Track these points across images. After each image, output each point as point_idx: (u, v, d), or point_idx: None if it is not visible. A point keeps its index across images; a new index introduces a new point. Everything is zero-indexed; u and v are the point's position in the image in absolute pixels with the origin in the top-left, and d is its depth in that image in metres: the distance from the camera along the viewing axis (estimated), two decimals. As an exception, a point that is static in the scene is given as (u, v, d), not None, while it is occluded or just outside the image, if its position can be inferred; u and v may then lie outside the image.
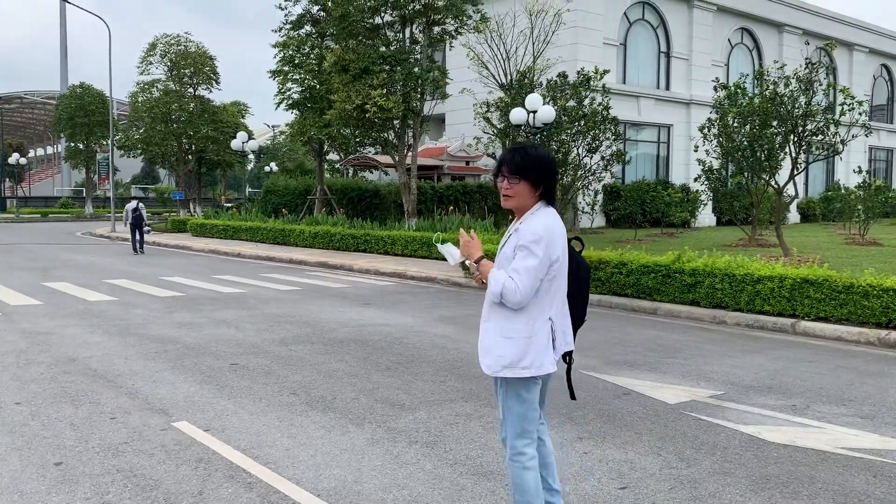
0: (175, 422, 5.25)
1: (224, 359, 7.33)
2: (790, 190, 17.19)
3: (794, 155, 15.89)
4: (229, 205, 38.67)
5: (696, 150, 18.76)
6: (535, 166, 3.18)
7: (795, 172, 15.72)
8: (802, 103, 15.21)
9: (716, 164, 19.81)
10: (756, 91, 17.30)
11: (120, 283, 13.61)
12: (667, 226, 27.10)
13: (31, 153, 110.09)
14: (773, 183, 17.06)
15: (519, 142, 20.33)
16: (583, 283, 3.42)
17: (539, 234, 3.09)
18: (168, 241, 25.61)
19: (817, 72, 15.92)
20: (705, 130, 17.73)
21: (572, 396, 3.58)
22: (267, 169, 55.62)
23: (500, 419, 3.33)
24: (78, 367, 6.91)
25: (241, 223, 25.77)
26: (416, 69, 20.28)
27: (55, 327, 8.97)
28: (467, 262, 3.32)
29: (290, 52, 24.30)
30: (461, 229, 3.45)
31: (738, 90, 17.82)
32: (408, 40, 21.21)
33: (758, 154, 17.20)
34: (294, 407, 5.66)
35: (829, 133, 15.19)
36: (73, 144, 49.75)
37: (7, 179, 62.03)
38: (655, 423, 5.37)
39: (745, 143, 17.20)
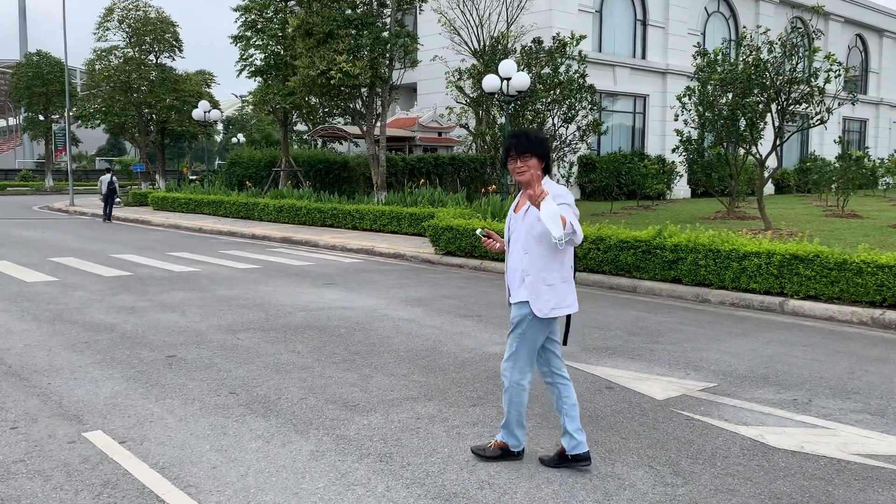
0: (88, 431, 4.49)
1: (161, 350, 6.55)
2: (771, 161, 16.65)
3: (777, 124, 15.30)
4: (193, 177, 37.45)
5: (675, 119, 18.12)
6: (540, 143, 3.88)
7: (778, 143, 15.13)
8: (787, 70, 14.57)
9: (694, 135, 19.22)
10: (737, 58, 16.64)
11: (65, 262, 12.69)
12: (642, 198, 26.56)
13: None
14: (754, 153, 16.48)
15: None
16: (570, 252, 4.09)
17: (560, 192, 3.76)
18: (128, 214, 24.52)
19: (803, 37, 15.29)
20: (685, 99, 17.06)
21: (564, 342, 4.25)
22: (234, 140, 54.19)
23: (512, 352, 4.03)
24: (-9, 361, 6.10)
25: (204, 196, 24.72)
26: (384, 33, 19.31)
27: (-22, 313, 8.11)
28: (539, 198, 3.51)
29: (253, 17, 23.11)
30: (480, 232, 4.18)
31: (719, 57, 17.16)
32: (375, 3, 20.20)
33: (738, 124, 16.60)
34: (230, 410, 4.92)
35: (814, 101, 14.59)
36: (31, 115, 47.89)
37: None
38: (644, 425, 4.72)
39: (726, 112, 16.59)
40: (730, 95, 15.88)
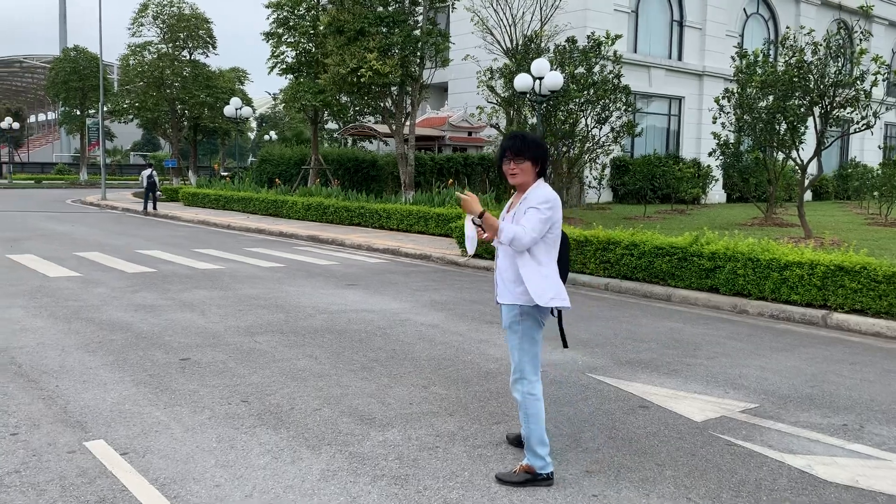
0: (90, 440, 4.26)
1: (175, 352, 6.34)
2: (812, 167, 16.08)
3: (819, 128, 14.74)
4: (225, 174, 37.59)
5: (714, 122, 17.59)
6: (534, 147, 3.87)
7: (821, 148, 14.57)
8: (832, 72, 14.01)
9: (731, 138, 18.68)
10: (776, 60, 16.09)
11: (90, 257, 12.62)
12: (677, 202, 25.98)
13: (32, 118, 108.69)
14: (796, 159, 15.92)
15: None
16: (563, 253, 4.03)
17: (548, 197, 3.81)
18: (158, 210, 24.59)
19: (849, 36, 14.70)
20: (723, 101, 16.55)
21: (565, 345, 4.23)
22: (266, 138, 54.40)
23: (516, 365, 3.94)
24: (1, 360, 5.92)
25: (234, 193, 24.70)
26: (415, 32, 19.05)
27: (-4, 309, 7.98)
28: (472, 219, 3.82)
29: (285, 14, 23.02)
30: (459, 191, 4.10)
31: (758, 58, 16.63)
32: (407, 0, 19.95)
33: (777, 128, 16.06)
34: (241, 420, 4.67)
35: (860, 105, 14.00)
36: (67, 109, 48.52)
37: (4, 145, 60.80)
38: (681, 451, 4.37)
39: (765, 115, 16.05)
40: (770, 98, 15.33)
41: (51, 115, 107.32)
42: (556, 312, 3.96)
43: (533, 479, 3.84)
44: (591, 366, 6.25)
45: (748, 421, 4.93)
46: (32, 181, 49.52)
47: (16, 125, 50.18)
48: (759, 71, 15.22)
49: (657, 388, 5.63)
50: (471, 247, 4.02)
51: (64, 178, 53.42)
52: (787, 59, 14.72)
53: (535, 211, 3.76)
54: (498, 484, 3.83)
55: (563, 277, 4.00)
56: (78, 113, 47.66)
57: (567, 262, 4.08)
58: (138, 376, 5.57)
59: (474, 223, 3.87)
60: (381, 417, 4.79)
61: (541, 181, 3.90)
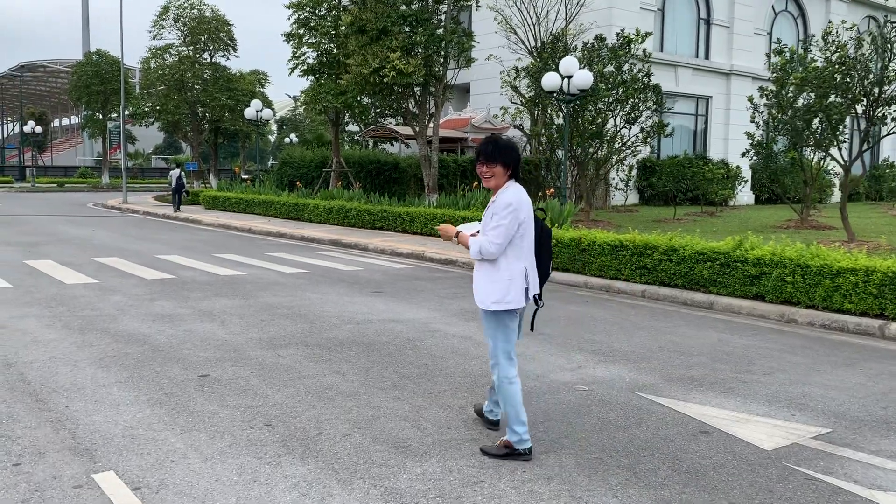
0: (98, 472, 3.86)
1: (194, 367, 5.95)
2: (853, 167, 15.45)
3: (862, 127, 14.12)
4: (246, 177, 37.41)
5: (752, 121, 17.00)
6: (506, 152, 4.14)
7: (865, 147, 13.96)
8: (877, 69, 13.40)
9: (765, 138, 18.08)
10: (816, 56, 15.48)
11: (109, 262, 12.32)
12: (706, 204, 25.34)
13: (56, 122, 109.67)
14: (838, 158, 15.29)
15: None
16: (545, 243, 4.37)
17: (510, 201, 4.05)
18: (178, 213, 24.38)
19: (888, 35, 14.07)
20: (762, 100, 15.97)
21: (531, 327, 4.60)
22: (287, 140, 54.25)
23: (491, 351, 4.25)
24: (10, 376, 5.57)
25: (255, 196, 24.43)
26: (439, 31, 18.63)
27: (10, 319, 7.64)
28: (453, 240, 4.28)
29: (306, 14, 22.68)
30: (441, 225, 4.38)
31: (794, 56, 16.03)
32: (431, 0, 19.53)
33: (817, 127, 15.46)
34: (264, 448, 4.25)
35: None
36: (89, 113, 48.66)
37: (28, 149, 61.18)
38: (756, 487, 3.89)
39: (802, 113, 15.45)
40: (810, 96, 14.74)
41: (74, 119, 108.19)
42: (537, 301, 4.26)
43: (511, 453, 4.19)
44: (639, 383, 5.78)
45: (824, 450, 4.44)
46: (55, 184, 49.71)
47: (38, 129, 50.39)
48: (800, 68, 14.61)
49: (716, 410, 5.15)
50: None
51: (86, 181, 53.61)
52: (827, 55, 14.11)
53: (498, 218, 4.04)
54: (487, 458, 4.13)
55: (544, 272, 4.37)
56: (100, 116, 47.78)
57: (548, 256, 4.40)
58: (154, 395, 5.18)
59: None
60: (417, 445, 4.35)
61: (511, 183, 4.17)
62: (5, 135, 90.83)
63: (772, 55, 17.12)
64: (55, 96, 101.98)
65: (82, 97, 46.48)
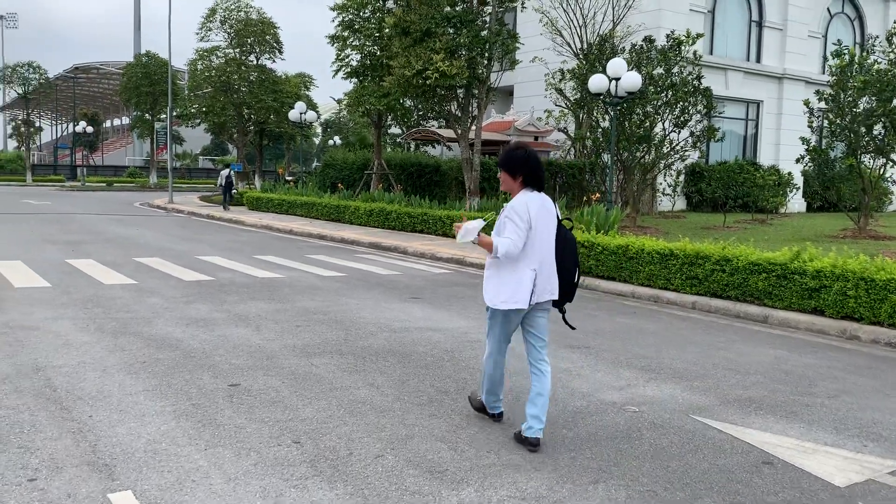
0: (116, 491, 3.65)
1: (225, 376, 5.74)
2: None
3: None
4: (289, 178, 37.60)
5: (810, 126, 16.34)
6: (509, 161, 4.47)
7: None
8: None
9: (822, 143, 17.37)
10: (879, 58, 14.78)
11: (149, 263, 12.29)
12: (756, 211, 24.56)
13: (108, 123, 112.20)
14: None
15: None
16: (568, 251, 4.47)
17: (515, 207, 4.36)
18: (222, 214, 24.51)
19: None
20: (820, 103, 15.32)
21: (567, 323, 4.75)
22: (330, 143, 54.53)
23: (488, 344, 4.67)
24: (37, 382, 5.42)
25: (297, 198, 24.43)
26: (483, 32, 18.33)
27: (44, 320, 7.56)
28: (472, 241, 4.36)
29: (350, 16, 22.59)
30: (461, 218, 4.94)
31: (854, 58, 15.34)
32: (475, 0, 19.25)
33: (877, 132, 14.76)
34: (291, 469, 3.99)
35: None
36: (139, 114, 49.51)
37: (80, 149, 62.61)
38: (829, 530, 3.50)
39: (863, 118, 14.76)
40: (872, 100, 14.06)
41: (125, 120, 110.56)
42: (561, 308, 4.61)
43: (483, 410, 4.86)
44: (693, 405, 5.39)
45: (903, 487, 4.02)
46: (104, 184, 50.73)
47: (90, 129, 51.46)
48: (860, 71, 13.95)
49: (778, 438, 4.74)
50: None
51: (134, 181, 54.63)
52: (891, 56, 13.44)
53: (507, 222, 4.36)
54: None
55: (568, 279, 4.48)
56: (149, 117, 48.57)
57: (573, 264, 4.49)
58: (181, 406, 4.98)
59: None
60: (453, 469, 4.05)
61: (524, 191, 4.44)
62: (59, 135, 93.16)
63: (830, 58, 16.42)
64: (108, 97, 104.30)
65: (132, 98, 47.31)
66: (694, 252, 9.98)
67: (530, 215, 4.31)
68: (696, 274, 9.89)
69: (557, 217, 4.49)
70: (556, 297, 4.47)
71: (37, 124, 68.70)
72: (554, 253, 4.43)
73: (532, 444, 4.35)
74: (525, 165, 4.41)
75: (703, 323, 8.79)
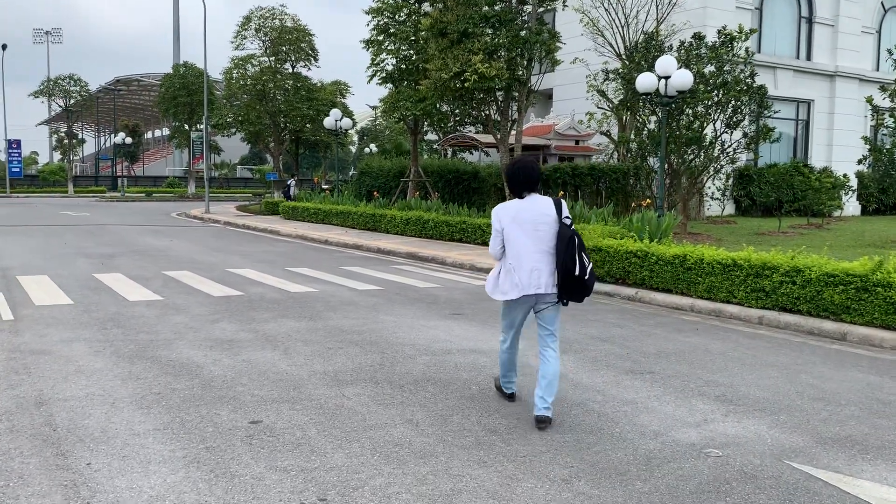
0: (103, 569, 3.02)
1: (246, 410, 5.12)
2: None
3: None
4: (325, 186, 37.26)
5: (873, 125, 15.34)
6: (505, 172, 5.55)
7: None
8: None
9: (887, 144, 16.30)
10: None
11: (178, 276, 11.81)
12: (812, 215, 23.39)
13: (148, 134, 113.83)
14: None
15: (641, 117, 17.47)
16: (568, 248, 4.78)
17: (493, 214, 5.03)
18: (257, 224, 24.14)
19: None
20: (888, 101, 14.32)
21: (564, 302, 5.08)
22: (367, 150, 54.23)
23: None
24: (37, 419, 4.85)
25: (333, 207, 23.94)
26: (523, 32, 17.62)
27: (58, 343, 7.04)
28: None
29: (385, 20, 22.07)
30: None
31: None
32: (515, 0, 18.56)
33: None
34: (314, 537, 3.33)
35: None
36: (177, 124, 49.80)
37: (121, 160, 63.35)
38: None
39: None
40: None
41: (166, 131, 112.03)
42: (564, 303, 5.02)
43: (499, 389, 5.52)
44: (785, 446, 4.61)
45: None
46: (143, 194, 51.08)
47: (129, 140, 51.94)
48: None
49: (893, 490, 3.94)
50: None
51: (173, 191, 54.97)
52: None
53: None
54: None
55: (566, 274, 4.76)
56: (186, 127, 48.81)
57: (572, 262, 4.75)
58: (193, 450, 4.35)
59: None
60: (510, 539, 3.34)
61: (512, 198, 5.04)
62: (101, 146, 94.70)
63: (888, 54, 15.40)
64: (148, 109, 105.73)
65: (170, 108, 47.59)
66: (760, 262, 9.12)
67: (501, 222, 4.95)
68: (763, 286, 9.03)
69: (557, 217, 4.87)
70: (545, 291, 4.87)
71: (79, 136, 69.79)
72: (533, 251, 4.86)
73: (539, 422, 4.81)
74: (509, 179, 5.03)
75: (775, 341, 7.94)
